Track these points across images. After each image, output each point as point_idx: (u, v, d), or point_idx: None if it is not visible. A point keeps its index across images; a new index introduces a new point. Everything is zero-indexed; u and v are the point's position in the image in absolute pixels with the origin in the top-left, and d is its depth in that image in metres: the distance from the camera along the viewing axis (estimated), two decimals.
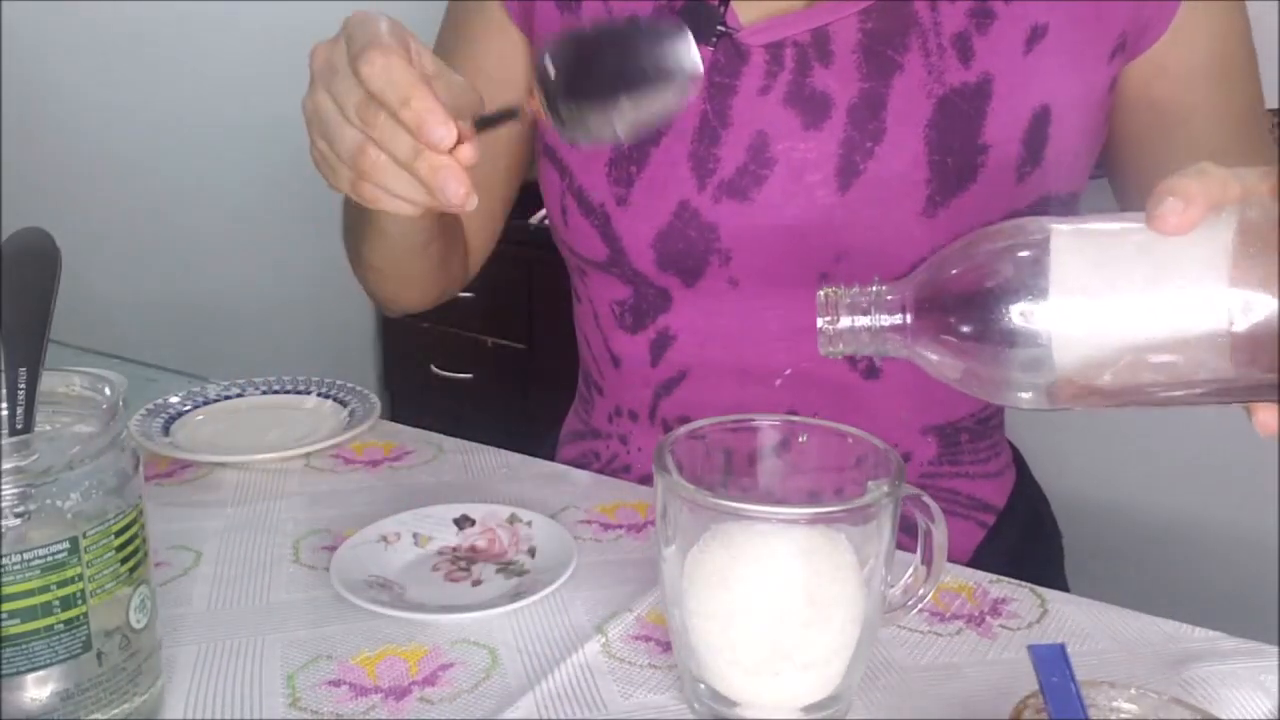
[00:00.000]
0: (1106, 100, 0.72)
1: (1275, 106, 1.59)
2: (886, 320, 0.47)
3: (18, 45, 2.67)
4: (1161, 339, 0.41)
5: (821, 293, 0.48)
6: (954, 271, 0.45)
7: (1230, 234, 0.41)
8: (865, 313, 0.47)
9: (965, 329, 0.45)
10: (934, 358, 0.46)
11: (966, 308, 0.44)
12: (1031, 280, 0.43)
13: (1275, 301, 0.40)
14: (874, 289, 0.47)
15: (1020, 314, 0.43)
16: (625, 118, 0.51)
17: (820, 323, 0.48)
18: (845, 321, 0.47)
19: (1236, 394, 0.43)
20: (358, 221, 0.74)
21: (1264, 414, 0.43)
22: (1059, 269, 0.42)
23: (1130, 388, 0.44)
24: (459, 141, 0.50)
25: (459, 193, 0.50)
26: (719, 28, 0.70)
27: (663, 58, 0.51)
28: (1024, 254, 0.44)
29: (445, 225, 0.75)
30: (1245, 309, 0.40)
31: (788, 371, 0.74)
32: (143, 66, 2.62)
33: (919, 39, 0.69)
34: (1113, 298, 0.42)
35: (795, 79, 0.70)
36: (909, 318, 0.46)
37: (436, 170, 0.50)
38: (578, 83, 0.51)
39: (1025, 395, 0.45)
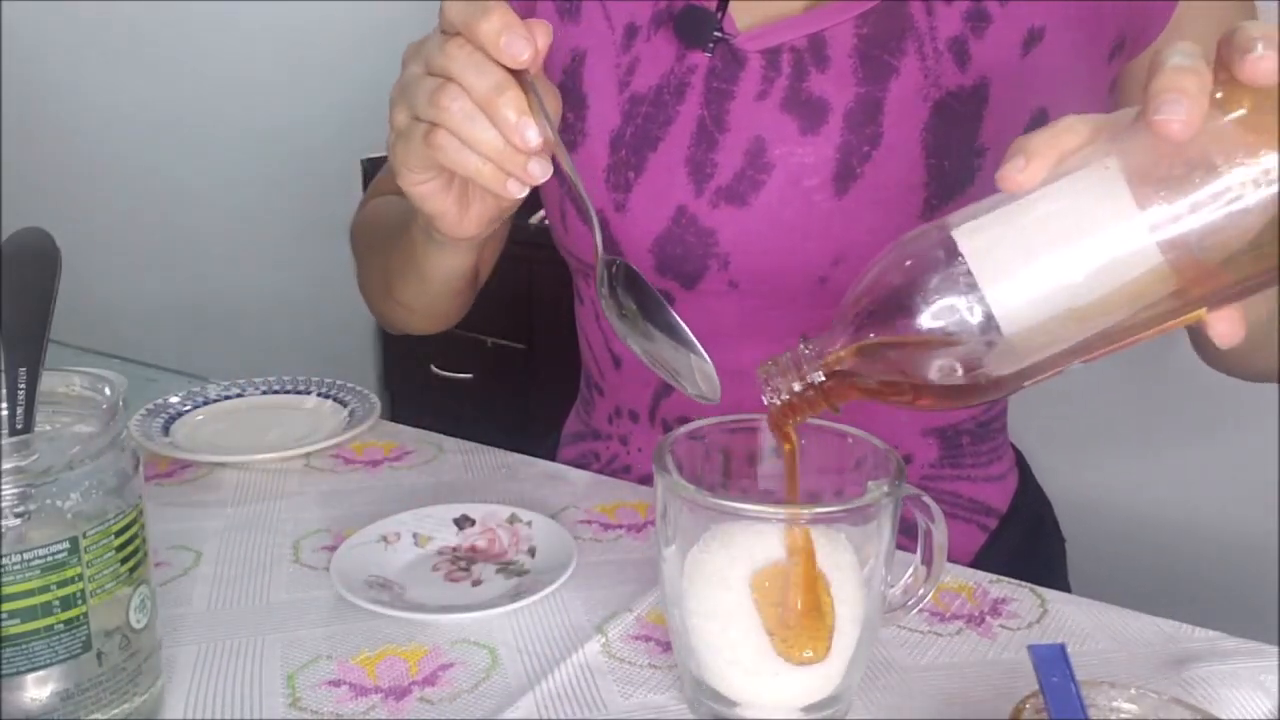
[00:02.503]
0: (1107, 102, 0.72)
1: None
2: (821, 376, 0.47)
3: (18, 45, 2.66)
4: (1100, 287, 0.41)
5: (759, 370, 0.48)
6: (880, 302, 0.45)
7: (1113, 161, 0.41)
8: (799, 374, 0.47)
9: (914, 356, 0.44)
10: (889, 383, 0.46)
11: (906, 333, 0.44)
12: (959, 286, 0.42)
13: (1188, 203, 0.39)
14: (804, 348, 0.47)
15: (961, 321, 0.43)
16: (659, 351, 0.55)
17: (766, 399, 0.48)
18: (794, 386, 0.48)
19: (1188, 310, 0.43)
20: (399, 267, 0.77)
21: (1223, 325, 0.43)
22: (978, 264, 0.42)
23: (1090, 341, 0.43)
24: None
25: (534, 138, 0.52)
26: (716, 33, 0.70)
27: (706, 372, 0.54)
28: (941, 266, 0.43)
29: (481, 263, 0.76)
30: (1163, 222, 0.40)
31: None
32: (143, 67, 2.62)
33: (915, 43, 0.69)
34: (1040, 265, 0.41)
35: (792, 84, 0.70)
36: (851, 359, 0.46)
37: (523, 114, 0.52)
38: (645, 301, 0.55)
39: (990, 392, 0.45)
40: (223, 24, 2.51)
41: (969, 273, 0.42)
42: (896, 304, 0.44)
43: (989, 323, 0.42)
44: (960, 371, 0.44)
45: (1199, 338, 0.64)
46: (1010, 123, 0.69)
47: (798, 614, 0.48)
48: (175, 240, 2.73)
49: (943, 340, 0.43)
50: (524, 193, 0.56)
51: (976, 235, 0.43)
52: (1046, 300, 0.42)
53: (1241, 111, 0.40)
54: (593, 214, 0.56)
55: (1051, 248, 0.41)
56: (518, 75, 0.53)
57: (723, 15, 0.71)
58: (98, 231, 2.67)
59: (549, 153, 0.55)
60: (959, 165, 0.69)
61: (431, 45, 0.54)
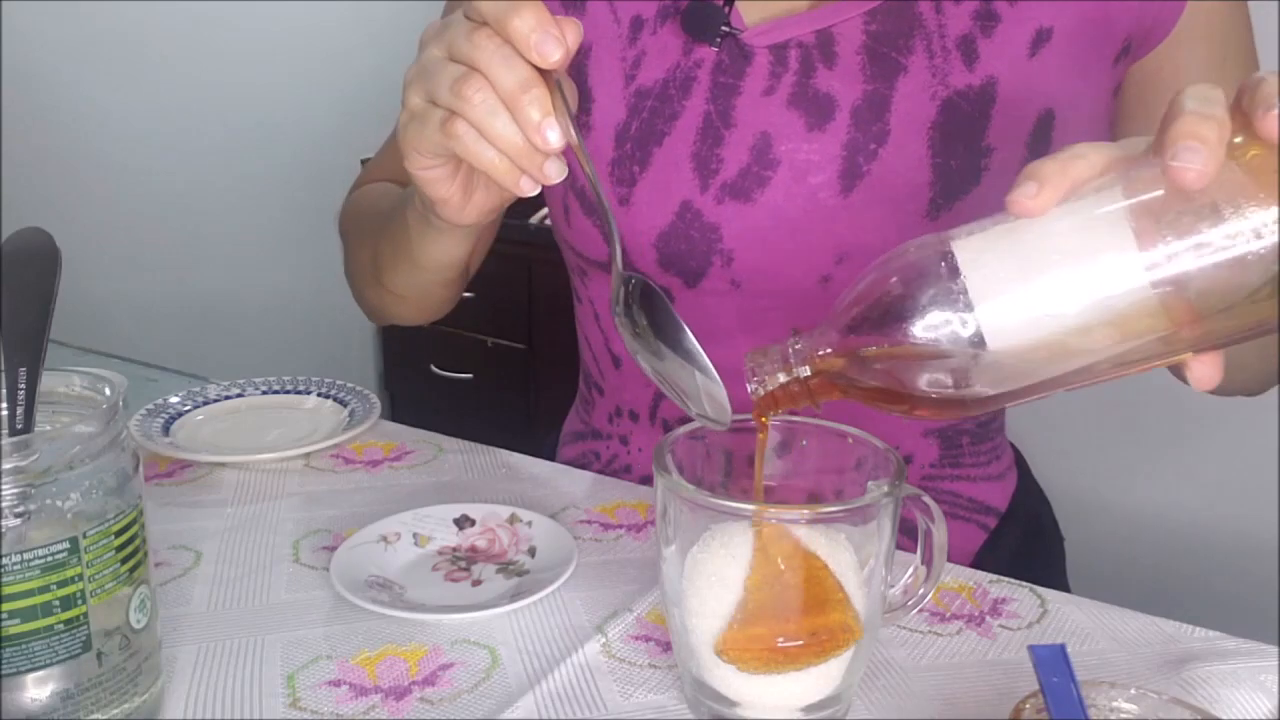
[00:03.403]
0: (1111, 104, 0.72)
1: None
2: (807, 371, 0.47)
3: (18, 45, 2.66)
4: (1091, 317, 0.41)
5: (747, 358, 0.49)
6: (873, 306, 0.45)
7: (1120, 196, 0.41)
8: (786, 368, 0.48)
9: (902, 354, 0.44)
10: (874, 386, 0.46)
11: (896, 339, 0.44)
12: (952, 299, 0.43)
13: (1188, 246, 0.39)
14: (793, 343, 0.48)
15: (951, 334, 0.43)
16: (670, 370, 0.53)
17: (749, 387, 0.48)
18: (780, 378, 0.48)
19: (1174, 352, 0.43)
20: (390, 253, 0.75)
21: (1202, 369, 0.43)
22: (974, 280, 0.42)
23: (1074, 372, 0.43)
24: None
25: (556, 139, 0.51)
26: (723, 28, 0.70)
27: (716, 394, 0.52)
28: (937, 276, 0.43)
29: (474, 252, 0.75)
30: (1160, 263, 0.40)
31: None
32: (144, 67, 2.61)
33: (923, 41, 0.69)
34: (1034, 289, 0.42)
35: (799, 80, 0.70)
36: (838, 360, 0.47)
37: (546, 114, 0.51)
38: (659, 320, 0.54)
39: (971, 406, 0.45)
40: (223, 24, 2.51)
41: (965, 287, 0.42)
42: (890, 309, 0.44)
43: (977, 339, 0.42)
44: (946, 384, 0.44)
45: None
46: (1017, 123, 0.69)
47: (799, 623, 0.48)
48: (175, 240, 2.73)
49: (931, 352, 0.43)
50: (535, 190, 0.55)
51: (976, 250, 0.43)
52: (1035, 324, 0.42)
53: (1252, 160, 0.40)
54: (614, 229, 0.54)
55: (1047, 273, 0.41)
56: (544, 73, 0.52)
57: (730, 10, 0.71)
58: (98, 231, 2.66)
59: (566, 154, 0.54)
60: (965, 165, 0.68)
61: (457, 32, 0.52)
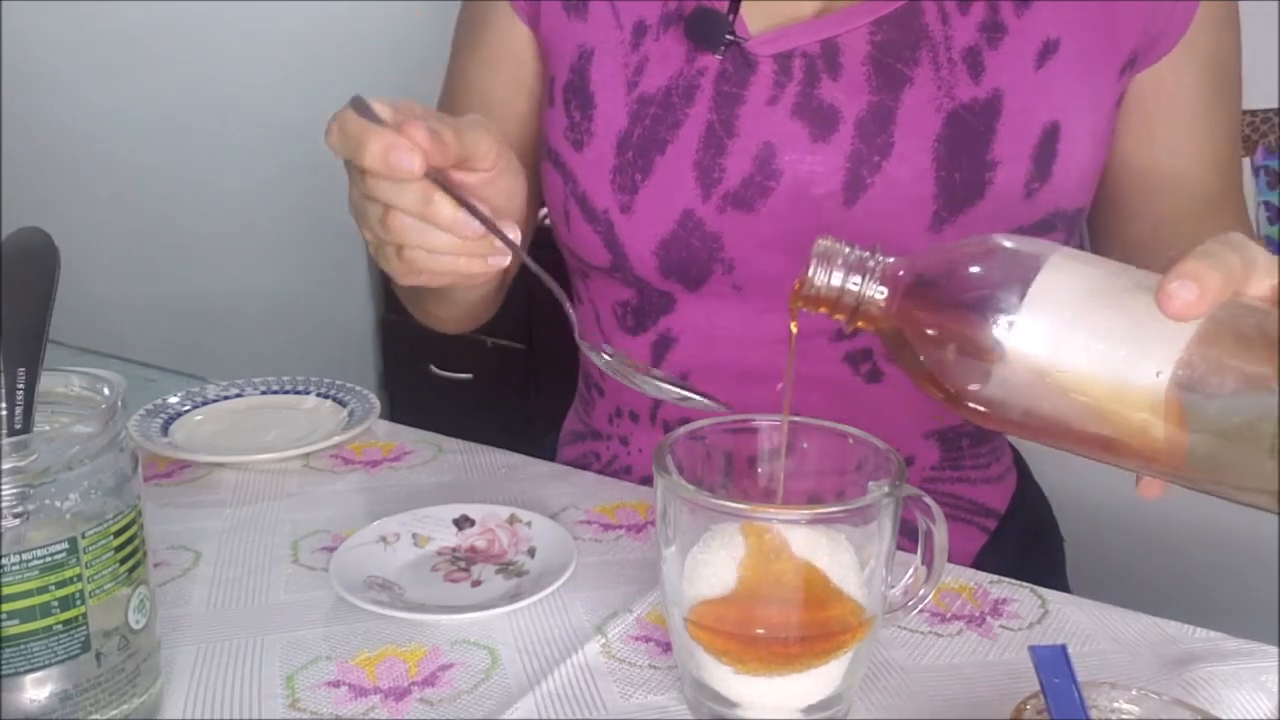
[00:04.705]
0: (1114, 115, 0.72)
1: (1275, 106, 1.59)
2: (875, 290, 0.47)
3: (18, 45, 2.67)
4: (1098, 392, 0.42)
5: (822, 241, 0.47)
6: (948, 263, 0.46)
7: (1191, 331, 0.41)
8: (862, 274, 0.47)
9: (935, 316, 0.45)
10: (902, 335, 0.46)
11: (948, 295, 0.45)
12: (1011, 288, 0.43)
13: (1214, 402, 0.40)
14: (873, 256, 0.47)
15: (985, 316, 0.43)
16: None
17: (813, 272, 0.47)
18: (837, 278, 0.47)
19: (1143, 466, 0.44)
20: (429, 290, 0.79)
21: (1151, 485, 0.45)
22: (1040, 286, 0.43)
23: (1055, 425, 0.44)
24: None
25: (475, 228, 0.54)
26: (728, 36, 0.70)
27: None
28: (1018, 263, 0.44)
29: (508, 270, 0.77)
30: (1172, 402, 0.40)
31: None
32: (143, 67, 2.62)
33: (929, 52, 0.69)
34: (1071, 335, 0.42)
35: (803, 90, 0.70)
36: (897, 294, 0.46)
37: (456, 210, 0.53)
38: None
39: (970, 404, 0.45)
40: (223, 24, 2.51)
41: (1026, 293, 0.43)
42: (958, 272, 0.45)
43: (1003, 339, 0.43)
44: (960, 367, 0.44)
45: None
46: (1022, 136, 0.68)
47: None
48: (175, 240, 2.73)
49: (964, 331, 0.44)
50: (507, 261, 0.57)
51: (1065, 262, 0.43)
52: (1052, 356, 0.42)
53: None
54: (570, 311, 0.61)
55: (1094, 331, 0.42)
56: (439, 175, 0.54)
57: (734, 17, 0.70)
58: (98, 231, 2.67)
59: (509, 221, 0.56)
60: (969, 178, 0.68)
61: (352, 178, 0.56)
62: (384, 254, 0.58)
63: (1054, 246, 0.45)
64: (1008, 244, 0.45)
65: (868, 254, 0.47)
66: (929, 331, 0.45)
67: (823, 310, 0.48)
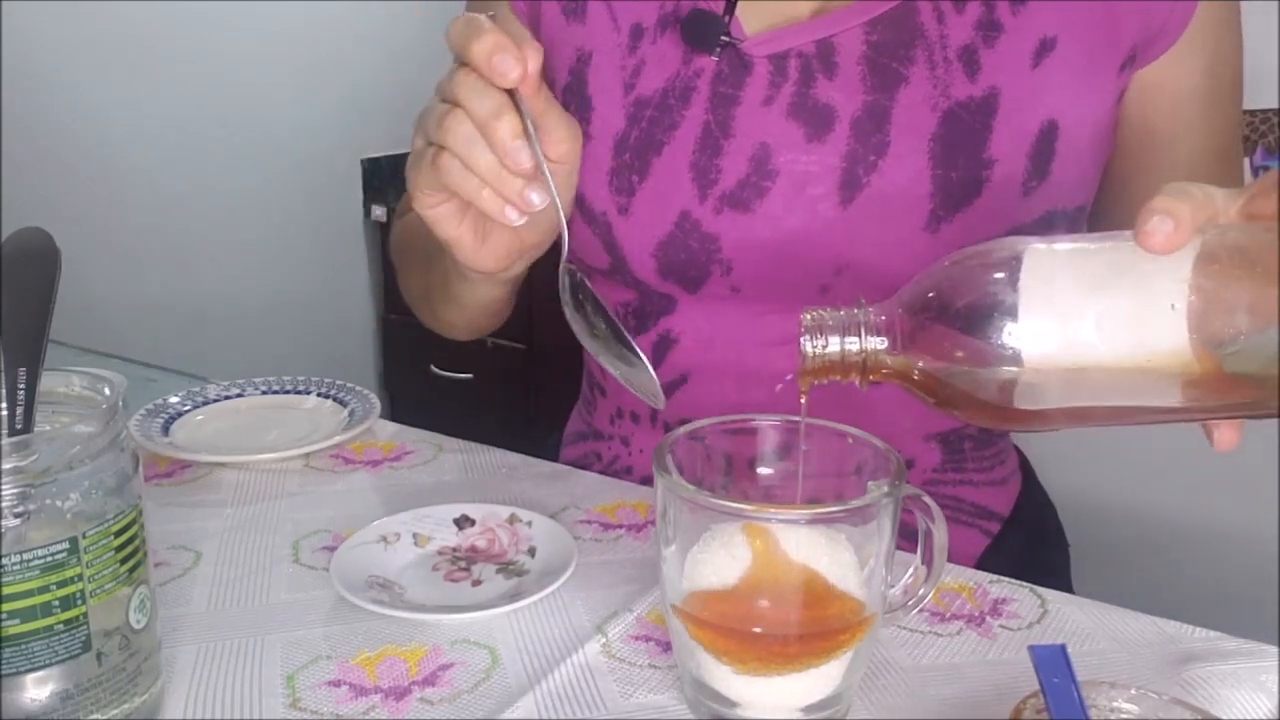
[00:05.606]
0: (1114, 112, 0.72)
1: (1275, 106, 1.59)
2: (874, 342, 0.47)
3: (18, 45, 2.66)
4: (1126, 362, 0.42)
5: (807, 315, 0.48)
6: (933, 292, 0.46)
7: (1190, 259, 0.41)
8: (855, 334, 0.47)
9: (945, 347, 0.45)
10: (917, 376, 0.46)
11: (946, 326, 0.45)
12: (1002, 299, 0.43)
13: (1230, 328, 0.40)
14: (859, 311, 0.47)
15: (992, 333, 0.43)
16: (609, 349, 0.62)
17: (806, 345, 0.47)
18: (834, 344, 0.47)
19: (1202, 414, 0.44)
20: (440, 293, 0.80)
21: (1223, 431, 0.45)
22: (1028, 288, 0.43)
23: (1101, 409, 0.44)
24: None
25: (526, 160, 0.56)
26: (723, 37, 0.70)
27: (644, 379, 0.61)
28: (997, 274, 0.44)
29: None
30: (1197, 334, 0.40)
31: (789, 376, 0.74)
32: (143, 67, 2.61)
33: (925, 51, 0.68)
34: (1078, 319, 0.42)
35: (799, 90, 0.70)
36: (897, 338, 0.46)
37: (516, 136, 0.56)
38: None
39: (1001, 416, 0.45)
40: (223, 24, 2.51)
41: (1020, 291, 0.43)
42: (952, 297, 0.45)
43: (1016, 346, 0.43)
44: (982, 385, 0.44)
45: None
46: (1019, 134, 0.68)
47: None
48: (175, 240, 2.73)
49: (974, 349, 0.44)
50: (522, 220, 0.58)
51: (1041, 257, 0.44)
52: (1072, 347, 0.42)
53: None
54: (564, 225, 0.62)
55: (1098, 300, 0.42)
56: (518, 100, 0.56)
57: (730, 19, 0.70)
58: (98, 231, 2.66)
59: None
60: (966, 176, 0.68)
61: (448, 74, 0.58)
62: (420, 160, 0.59)
63: (1021, 240, 0.45)
64: (977, 253, 0.45)
65: (855, 310, 0.47)
66: (942, 363, 0.45)
67: (835, 377, 0.48)
